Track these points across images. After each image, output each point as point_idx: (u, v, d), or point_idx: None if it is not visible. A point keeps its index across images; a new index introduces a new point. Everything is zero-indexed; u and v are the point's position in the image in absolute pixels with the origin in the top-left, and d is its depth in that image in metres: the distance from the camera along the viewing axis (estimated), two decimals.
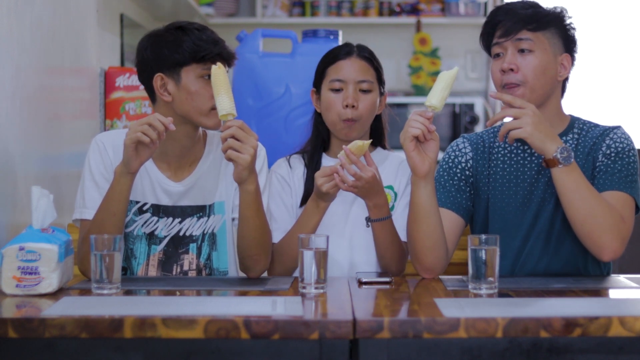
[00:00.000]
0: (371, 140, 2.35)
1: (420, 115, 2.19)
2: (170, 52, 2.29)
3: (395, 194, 2.54)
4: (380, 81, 2.53)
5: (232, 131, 2.16)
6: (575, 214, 2.21)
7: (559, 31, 2.31)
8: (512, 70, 2.27)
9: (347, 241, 2.49)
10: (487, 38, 2.35)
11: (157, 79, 2.31)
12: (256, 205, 2.23)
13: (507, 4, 2.35)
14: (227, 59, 2.32)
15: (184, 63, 2.28)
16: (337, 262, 2.47)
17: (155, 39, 2.32)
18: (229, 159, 2.17)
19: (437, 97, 2.22)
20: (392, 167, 2.56)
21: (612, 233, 2.19)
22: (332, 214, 2.45)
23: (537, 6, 2.31)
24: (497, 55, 2.32)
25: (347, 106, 2.46)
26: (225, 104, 2.19)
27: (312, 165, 2.52)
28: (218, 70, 2.22)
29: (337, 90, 2.49)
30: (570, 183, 2.19)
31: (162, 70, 2.30)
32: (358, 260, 2.49)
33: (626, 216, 2.22)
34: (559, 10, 2.32)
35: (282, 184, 2.53)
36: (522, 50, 2.28)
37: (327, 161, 2.53)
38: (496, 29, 2.32)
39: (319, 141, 2.56)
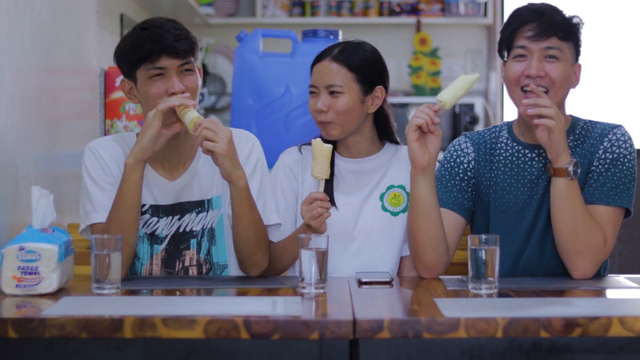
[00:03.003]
0: (331, 146, 2.34)
1: (427, 107, 2.21)
2: (125, 55, 2.29)
3: (407, 194, 2.52)
4: (363, 81, 2.47)
5: (204, 124, 2.16)
6: (561, 228, 2.24)
7: (575, 42, 2.32)
8: (540, 76, 2.27)
9: (353, 255, 2.50)
10: (509, 38, 2.31)
11: (124, 84, 2.33)
12: (249, 201, 2.23)
13: (532, 4, 2.33)
14: (173, 54, 2.25)
15: (136, 66, 2.27)
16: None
17: (120, 43, 2.32)
18: (207, 151, 2.16)
19: (449, 93, 2.23)
20: (403, 165, 2.51)
21: (589, 257, 2.22)
22: (337, 227, 2.46)
23: (562, 13, 2.30)
24: (519, 56, 2.29)
25: (316, 112, 2.48)
26: (189, 116, 2.19)
27: None
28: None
29: (313, 94, 2.50)
30: (568, 197, 2.21)
31: (125, 74, 2.32)
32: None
33: (609, 236, 2.24)
34: (578, 21, 2.32)
35: (288, 176, 2.53)
36: (546, 57, 2.27)
37: (339, 160, 2.53)
38: (522, 29, 2.29)
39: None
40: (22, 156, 2.50)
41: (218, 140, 2.15)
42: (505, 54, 2.34)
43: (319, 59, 2.51)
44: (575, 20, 2.31)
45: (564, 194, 2.22)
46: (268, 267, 2.36)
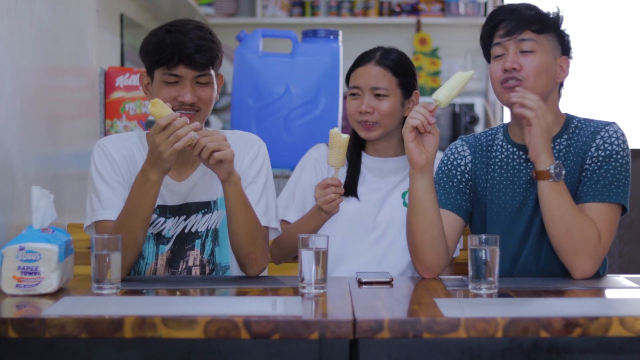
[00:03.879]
0: (348, 136, 2.43)
1: (422, 107, 2.22)
2: (147, 53, 2.29)
3: None
4: (404, 85, 2.58)
5: (203, 141, 2.14)
6: (553, 229, 2.23)
7: (557, 35, 2.32)
8: (514, 69, 2.27)
9: (371, 244, 2.53)
10: (488, 39, 2.35)
11: (143, 78, 2.34)
12: (243, 197, 2.24)
13: (508, 4, 2.35)
14: (191, 65, 2.23)
15: (154, 67, 2.28)
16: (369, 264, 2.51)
17: (146, 38, 2.32)
18: (218, 161, 2.15)
19: (443, 93, 2.24)
20: None
21: (585, 255, 2.22)
22: (358, 216, 2.54)
23: (538, 9, 2.32)
24: (498, 55, 2.32)
25: (361, 112, 2.56)
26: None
27: (353, 160, 2.61)
28: (152, 109, 2.15)
29: (355, 96, 2.59)
30: (555, 199, 2.21)
31: (146, 70, 2.33)
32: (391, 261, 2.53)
33: (604, 233, 2.23)
34: (557, 15, 2.32)
35: (315, 167, 2.61)
36: (523, 51, 2.28)
37: (365, 158, 2.63)
38: (497, 29, 2.32)
39: (357, 139, 2.63)
40: (22, 156, 2.50)
41: (224, 148, 2.15)
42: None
43: (360, 62, 2.61)
44: (552, 14, 2.32)
45: (551, 196, 2.21)
46: (280, 251, 2.44)
